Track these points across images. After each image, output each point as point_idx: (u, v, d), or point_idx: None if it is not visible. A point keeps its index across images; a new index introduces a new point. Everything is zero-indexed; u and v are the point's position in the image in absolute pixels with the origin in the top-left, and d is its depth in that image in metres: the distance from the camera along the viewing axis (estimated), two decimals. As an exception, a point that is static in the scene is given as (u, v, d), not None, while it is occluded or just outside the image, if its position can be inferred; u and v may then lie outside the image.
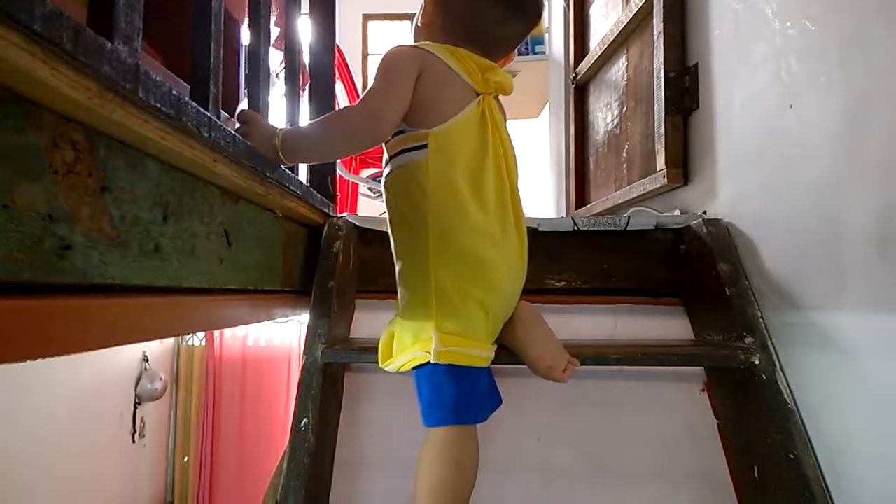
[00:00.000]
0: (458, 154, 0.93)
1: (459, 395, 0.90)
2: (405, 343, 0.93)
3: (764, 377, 1.02)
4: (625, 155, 1.72)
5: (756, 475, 1.04)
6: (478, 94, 0.97)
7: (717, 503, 1.09)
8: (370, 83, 0.95)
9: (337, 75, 2.61)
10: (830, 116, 0.93)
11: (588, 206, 1.98)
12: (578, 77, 2.09)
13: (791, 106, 1.02)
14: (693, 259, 1.25)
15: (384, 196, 1.00)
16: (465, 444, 0.90)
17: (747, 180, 1.18)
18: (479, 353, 0.92)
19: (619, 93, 1.78)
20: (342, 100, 2.71)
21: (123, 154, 0.59)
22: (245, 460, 3.90)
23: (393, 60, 0.96)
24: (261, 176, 0.85)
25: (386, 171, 0.99)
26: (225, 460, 3.90)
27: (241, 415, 3.93)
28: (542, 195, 2.75)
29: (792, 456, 0.94)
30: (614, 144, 1.81)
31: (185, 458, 3.89)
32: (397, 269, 0.99)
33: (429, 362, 0.88)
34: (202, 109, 0.66)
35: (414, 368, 0.92)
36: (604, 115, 1.92)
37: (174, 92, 0.60)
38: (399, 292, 0.98)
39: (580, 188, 2.07)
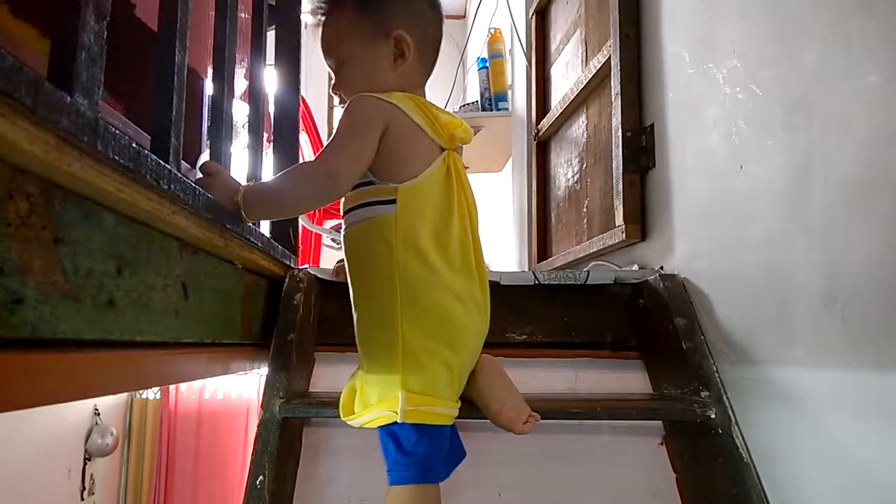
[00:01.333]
0: (425, 210, 0.92)
1: (426, 454, 0.89)
2: (369, 400, 0.92)
3: (720, 431, 1.03)
4: (585, 210, 1.77)
5: (714, 530, 1.04)
6: (443, 150, 0.97)
7: (677, 559, 1.09)
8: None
9: (301, 126, 2.64)
10: (777, 177, 0.98)
11: (549, 259, 2.01)
12: (540, 133, 2.15)
13: (741, 167, 1.07)
14: (651, 313, 1.28)
15: (343, 247, 0.99)
16: (428, 502, 0.89)
17: (701, 237, 1.22)
18: (445, 412, 0.91)
19: (580, 150, 1.84)
20: (307, 150, 2.74)
21: (79, 206, 0.58)
22: (199, 519, 3.74)
23: (357, 113, 0.93)
24: (220, 228, 0.84)
25: (348, 221, 0.97)
26: (177, 519, 3.73)
27: (195, 471, 3.78)
28: (504, 248, 2.78)
29: (749, 510, 0.95)
30: (575, 200, 1.86)
31: (135, 518, 3.71)
32: (356, 319, 0.98)
33: (395, 422, 0.87)
34: (161, 162, 0.66)
35: (379, 427, 0.91)
36: (565, 170, 1.97)
37: (133, 145, 0.60)
38: (360, 345, 0.97)
39: (542, 242, 2.10)
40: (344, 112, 0.95)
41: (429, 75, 1.05)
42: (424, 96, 1.03)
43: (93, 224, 0.60)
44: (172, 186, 0.68)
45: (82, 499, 3.27)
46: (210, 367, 0.93)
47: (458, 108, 2.93)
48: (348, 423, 0.95)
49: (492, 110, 2.78)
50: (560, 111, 1.98)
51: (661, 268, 1.35)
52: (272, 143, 1.39)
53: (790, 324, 0.94)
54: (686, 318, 1.18)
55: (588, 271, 1.35)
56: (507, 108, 2.77)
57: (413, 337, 0.89)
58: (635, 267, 1.45)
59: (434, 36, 1.03)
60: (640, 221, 1.43)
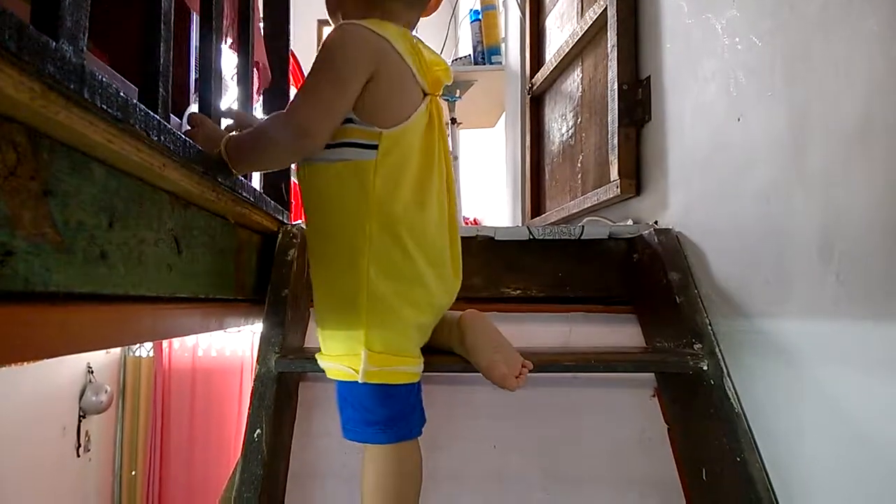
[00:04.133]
0: (407, 159, 0.86)
1: (390, 413, 0.87)
2: (333, 350, 0.90)
3: (712, 382, 1.04)
4: (579, 165, 1.75)
5: (704, 478, 1.06)
6: (425, 95, 0.90)
7: (667, 506, 1.11)
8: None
9: (291, 81, 2.58)
10: (776, 128, 0.96)
11: (543, 215, 2.00)
12: (534, 88, 2.12)
13: (739, 119, 1.06)
14: (645, 268, 1.28)
15: (303, 178, 0.91)
16: (407, 456, 0.90)
17: (697, 190, 1.21)
18: (408, 370, 0.89)
19: (574, 104, 1.82)
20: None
21: (68, 157, 0.56)
22: (195, 474, 3.79)
23: (340, 53, 0.82)
24: (212, 181, 0.83)
25: (318, 154, 0.86)
26: (174, 474, 3.78)
27: (190, 427, 3.82)
28: (498, 204, 2.77)
29: (739, 458, 0.97)
30: (569, 155, 1.84)
31: (133, 473, 3.76)
32: (313, 263, 0.93)
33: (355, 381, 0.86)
34: (151, 112, 0.64)
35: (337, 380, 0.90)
36: (559, 125, 1.95)
37: (121, 93, 0.58)
38: (315, 290, 0.93)
39: (535, 198, 2.09)
40: (324, 43, 0.83)
41: (420, 12, 0.95)
42: (408, 10, 0.93)
43: (82, 176, 0.58)
44: (162, 138, 0.66)
45: (78, 455, 3.31)
46: (205, 322, 0.93)
47: (450, 63, 2.88)
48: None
49: (484, 64, 2.73)
50: (555, 64, 1.94)
51: (656, 222, 1.35)
52: (263, 98, 1.35)
53: (786, 276, 0.94)
54: (680, 272, 1.18)
55: (582, 226, 1.34)
56: (500, 62, 2.72)
57: (382, 290, 0.84)
58: (630, 222, 1.45)
59: None
60: (635, 176, 1.42)
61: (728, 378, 1.04)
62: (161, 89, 0.77)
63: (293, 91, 2.70)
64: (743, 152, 1.05)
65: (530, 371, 0.96)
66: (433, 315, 0.95)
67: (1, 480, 2.62)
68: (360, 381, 0.84)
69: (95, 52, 1.03)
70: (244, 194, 0.97)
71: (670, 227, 1.28)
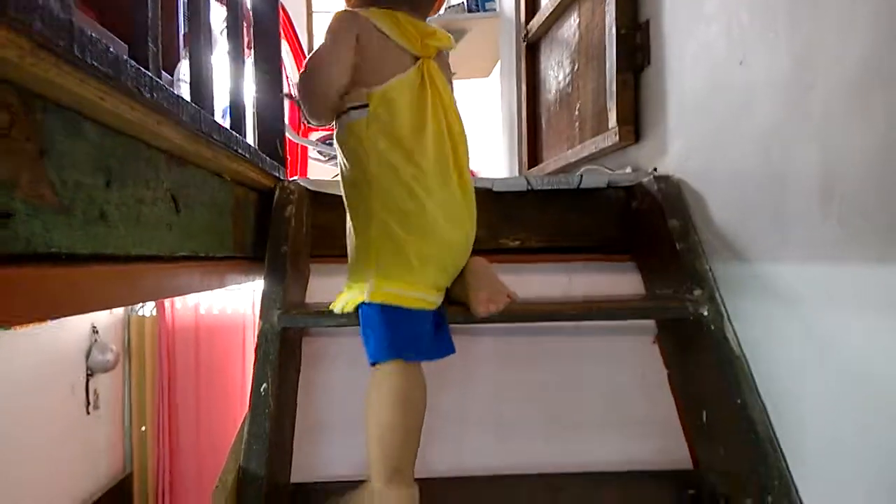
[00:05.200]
0: (396, 115, 0.97)
1: (395, 333, 0.93)
2: (353, 279, 1.02)
3: (712, 327, 1.06)
4: (577, 113, 1.73)
5: (704, 420, 1.09)
6: (417, 59, 1.01)
7: (667, 448, 1.14)
8: (316, 42, 0.99)
9: (282, 35, 2.52)
10: (778, 71, 0.95)
11: (541, 165, 1.99)
12: (530, 35, 2.07)
13: (740, 62, 1.04)
14: (644, 216, 1.28)
15: (337, 142, 1.05)
16: (409, 380, 0.93)
17: (696, 135, 1.20)
18: (415, 295, 0.96)
19: (571, 51, 1.78)
20: (287, 60, 2.63)
21: (61, 116, 0.56)
22: (203, 427, 3.87)
23: (334, 24, 1.02)
24: (206, 138, 0.82)
25: (340, 122, 1.03)
26: (183, 428, 3.86)
27: (196, 383, 3.88)
28: (494, 155, 2.75)
29: (739, 401, 0.99)
30: (566, 103, 1.82)
31: (143, 428, 3.84)
32: (349, 212, 1.04)
33: (364, 302, 0.94)
34: (142, 69, 0.63)
35: (357, 311, 0.98)
36: (555, 73, 1.91)
37: (111, 49, 0.57)
38: (351, 235, 1.04)
39: (532, 147, 2.07)
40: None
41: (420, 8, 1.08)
42: (412, 12, 1.05)
43: (77, 135, 0.58)
44: (155, 94, 0.65)
45: (88, 413, 3.37)
46: (206, 280, 0.93)
47: (442, 11, 2.81)
48: (333, 311, 1.01)
49: (478, 11, 2.67)
50: (550, 10, 1.90)
51: (655, 169, 1.34)
52: (254, 53, 1.32)
53: (786, 220, 0.94)
54: (680, 219, 1.18)
55: (581, 175, 1.33)
56: (494, 9, 2.65)
57: (385, 229, 0.96)
58: (629, 170, 1.44)
59: None
60: (634, 122, 1.41)
61: (728, 322, 1.06)
62: (151, 45, 0.76)
63: (285, 50, 2.67)
64: (744, 96, 1.04)
65: (532, 321, 0.98)
66: (443, 249, 1.00)
67: (15, 440, 2.67)
68: (366, 301, 0.94)
69: (84, 9, 1.00)
70: (239, 151, 0.96)
71: (670, 173, 1.28)
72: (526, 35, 2.11)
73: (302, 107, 1.07)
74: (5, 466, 2.59)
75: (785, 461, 0.94)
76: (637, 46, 1.39)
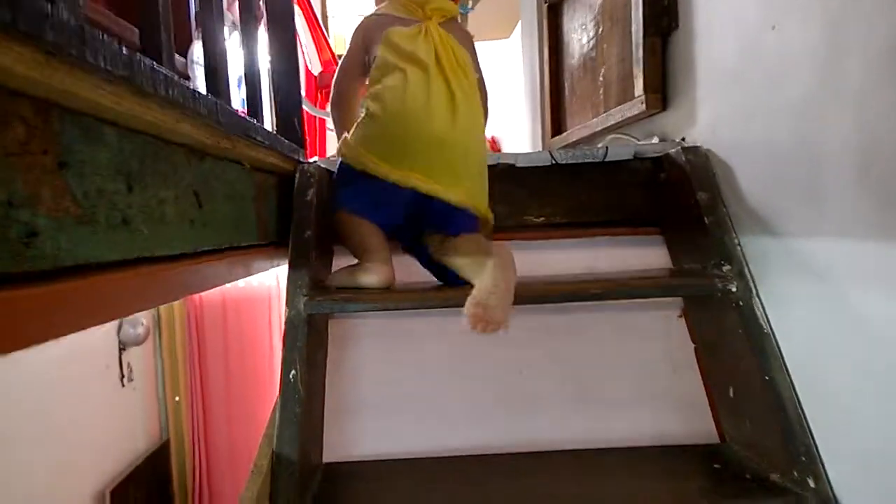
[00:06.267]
0: (391, 65, 1.16)
1: (355, 192, 1.14)
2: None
3: (741, 303, 1.04)
4: (601, 79, 1.68)
5: (732, 395, 1.08)
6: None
7: (694, 423, 1.14)
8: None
9: (298, 10, 2.49)
10: (813, 38, 0.91)
11: (564, 134, 1.95)
12: (551, -4, 2.01)
13: (774, 27, 0.99)
14: (672, 188, 1.25)
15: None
16: (360, 233, 1.13)
17: (727, 103, 1.16)
18: (373, 166, 1.10)
19: (595, 13, 1.72)
20: (303, 35, 2.59)
21: (78, 124, 0.55)
22: (233, 397, 3.96)
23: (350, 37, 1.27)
24: (226, 130, 0.81)
25: None
26: (215, 398, 3.96)
27: (225, 354, 3.96)
28: (516, 122, 2.70)
29: (767, 377, 0.98)
30: (590, 68, 1.77)
31: (177, 398, 3.94)
32: None
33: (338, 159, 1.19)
34: (156, 66, 0.61)
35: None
36: (579, 36, 1.86)
37: (125, 51, 0.56)
38: None
39: (556, 115, 2.02)
40: None
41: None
42: None
43: (96, 142, 0.57)
44: (172, 91, 0.64)
45: (123, 385, 3.46)
46: (232, 271, 0.93)
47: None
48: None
49: (496, -29, 2.59)
50: (571, -31, 1.83)
51: (683, 139, 1.30)
52: (267, 27, 1.30)
53: (820, 194, 0.91)
54: (708, 192, 1.15)
55: (606, 148, 1.30)
56: (512, -31, 2.56)
57: (370, 117, 1.15)
58: (655, 139, 1.40)
59: None
60: (661, 90, 1.36)
61: (757, 298, 1.03)
62: (163, 32, 0.74)
63: (301, 25, 2.62)
64: (776, 63, 1.00)
65: (556, 302, 0.97)
66: (420, 141, 1.12)
67: (59, 415, 2.76)
68: (335, 157, 1.21)
69: (92, -4, 0.99)
70: (258, 138, 0.95)
71: (698, 144, 1.24)
72: (546, -3, 2.04)
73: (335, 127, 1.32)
74: (52, 442, 2.69)
75: (812, 437, 0.93)
76: (664, 9, 1.33)
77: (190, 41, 1.45)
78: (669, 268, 1.25)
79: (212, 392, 3.95)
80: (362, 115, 1.18)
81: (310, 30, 2.64)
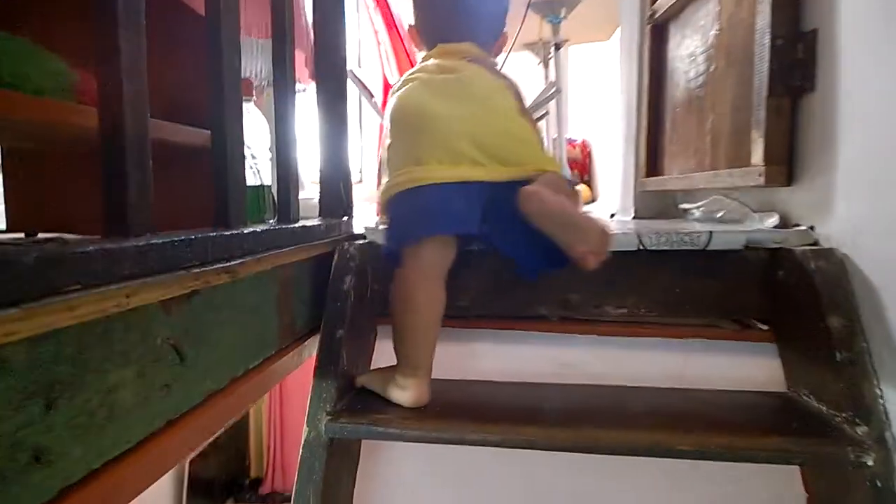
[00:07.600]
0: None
1: (398, 218, 0.99)
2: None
3: (878, 484, 0.79)
4: (709, 125, 1.41)
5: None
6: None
7: None
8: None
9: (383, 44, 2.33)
10: None
11: (660, 178, 1.68)
12: (656, 16, 1.72)
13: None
14: (793, 297, 0.99)
15: None
16: (409, 282, 0.95)
17: (878, 200, 0.89)
18: (423, 174, 0.95)
19: (707, 44, 1.44)
20: (384, 36, 2.42)
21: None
22: (306, 370, 4.03)
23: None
24: (221, 261, 0.65)
25: None
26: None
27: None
28: (607, 128, 2.43)
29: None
30: (696, 107, 1.49)
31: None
32: None
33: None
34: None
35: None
36: (685, 68, 1.57)
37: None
38: None
39: (652, 151, 1.76)
40: None
41: (447, 24, 1.13)
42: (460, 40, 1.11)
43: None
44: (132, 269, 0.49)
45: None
46: (239, 405, 0.78)
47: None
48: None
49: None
50: (683, -14, 1.55)
51: (812, 228, 1.04)
52: (316, 80, 1.13)
53: None
54: (844, 318, 0.89)
55: (710, 233, 1.06)
56: (614, -31, 2.27)
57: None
58: (775, 218, 1.13)
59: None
60: (787, 162, 1.09)
61: (902, 478, 0.78)
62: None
63: (381, 26, 2.46)
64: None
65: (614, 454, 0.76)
66: (435, 122, 0.99)
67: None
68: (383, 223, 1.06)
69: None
70: (278, 243, 0.79)
71: (832, 242, 0.98)
72: (651, 16, 1.75)
73: None
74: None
75: None
76: (797, 62, 1.06)
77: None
78: (782, 390, 1.00)
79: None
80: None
81: (387, 32, 2.46)
